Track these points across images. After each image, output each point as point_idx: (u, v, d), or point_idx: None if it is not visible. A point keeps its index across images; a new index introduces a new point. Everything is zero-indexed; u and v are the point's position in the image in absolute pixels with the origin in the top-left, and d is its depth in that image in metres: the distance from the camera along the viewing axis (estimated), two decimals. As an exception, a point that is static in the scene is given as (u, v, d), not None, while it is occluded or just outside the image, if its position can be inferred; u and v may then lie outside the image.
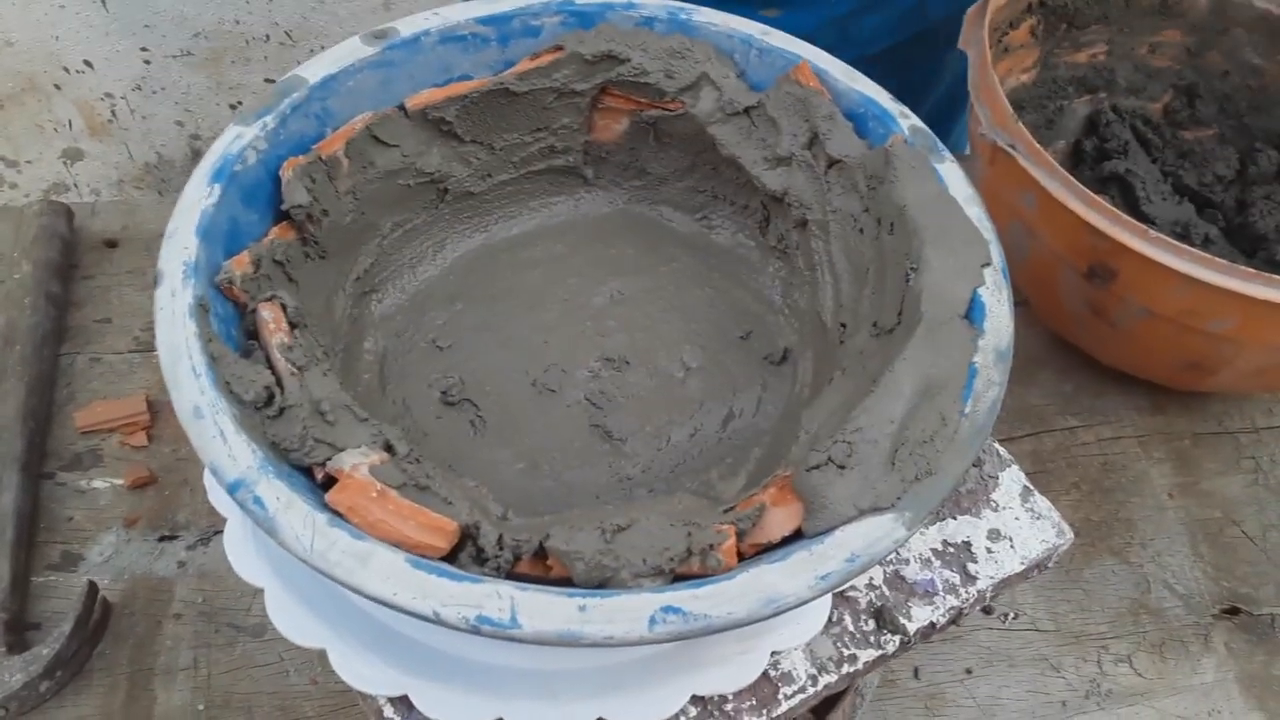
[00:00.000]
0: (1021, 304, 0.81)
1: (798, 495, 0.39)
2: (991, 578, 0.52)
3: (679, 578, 0.38)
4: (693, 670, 0.46)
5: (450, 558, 0.39)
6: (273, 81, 1.10)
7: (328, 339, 0.52)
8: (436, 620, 0.35)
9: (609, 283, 0.60)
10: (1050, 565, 0.55)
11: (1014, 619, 0.70)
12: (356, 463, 0.40)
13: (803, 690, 0.48)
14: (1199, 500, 0.77)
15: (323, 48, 0.49)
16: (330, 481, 0.40)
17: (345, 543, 0.36)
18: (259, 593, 0.49)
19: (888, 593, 0.52)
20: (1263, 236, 0.80)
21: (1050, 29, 0.85)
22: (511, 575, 0.39)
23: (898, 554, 0.53)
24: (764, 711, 0.48)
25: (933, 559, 0.53)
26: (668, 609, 0.35)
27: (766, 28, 0.57)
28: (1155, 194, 0.81)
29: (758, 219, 0.60)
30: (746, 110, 0.56)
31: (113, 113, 1.18)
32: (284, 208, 0.50)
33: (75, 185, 1.25)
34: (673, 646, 0.46)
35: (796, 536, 0.39)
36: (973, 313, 0.45)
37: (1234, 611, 0.72)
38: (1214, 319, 0.65)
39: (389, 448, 0.43)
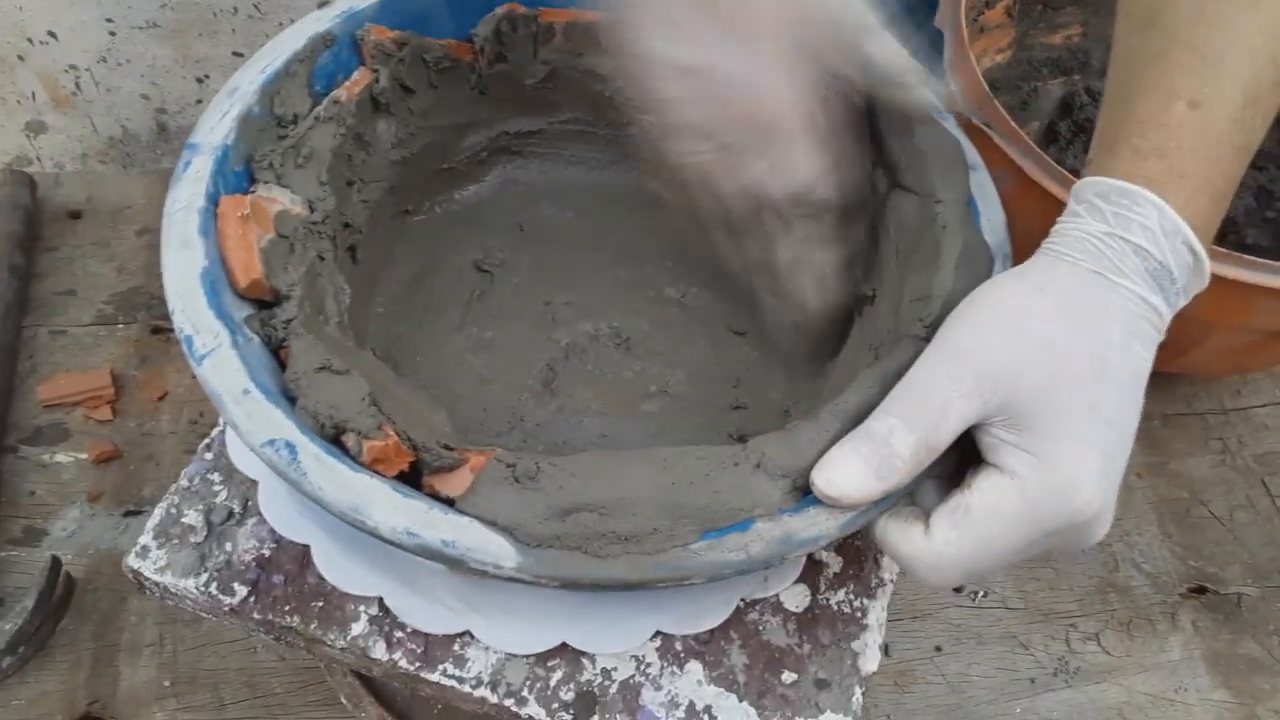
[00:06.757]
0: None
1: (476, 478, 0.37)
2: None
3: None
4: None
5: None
6: (241, 55, 1.08)
7: (443, 137, 0.56)
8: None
9: (689, 288, 0.59)
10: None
11: (983, 597, 0.71)
12: (272, 196, 0.43)
13: (474, 684, 0.45)
14: (1167, 480, 0.78)
15: (291, 21, 0.48)
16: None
17: None
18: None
19: (615, 692, 0.45)
20: (1232, 219, 0.80)
21: (1026, 9, 0.85)
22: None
23: (651, 677, 0.46)
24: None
25: (682, 712, 0.45)
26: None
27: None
28: (1127, 177, 0.81)
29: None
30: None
31: (77, 85, 1.15)
32: (473, 33, 0.52)
33: (38, 158, 1.22)
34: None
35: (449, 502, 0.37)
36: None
37: (1201, 590, 0.72)
38: (1185, 299, 0.65)
39: (311, 207, 0.45)
